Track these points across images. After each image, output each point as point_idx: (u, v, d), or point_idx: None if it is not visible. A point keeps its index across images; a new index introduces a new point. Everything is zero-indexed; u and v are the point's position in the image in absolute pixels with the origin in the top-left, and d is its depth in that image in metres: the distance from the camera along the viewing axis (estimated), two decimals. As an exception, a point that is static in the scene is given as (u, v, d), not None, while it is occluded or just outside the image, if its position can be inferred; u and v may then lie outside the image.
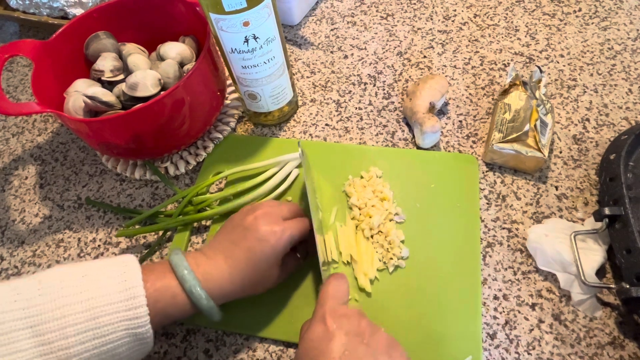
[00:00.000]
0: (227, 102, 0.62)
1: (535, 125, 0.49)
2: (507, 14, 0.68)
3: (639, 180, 0.47)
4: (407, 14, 0.71)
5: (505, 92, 0.54)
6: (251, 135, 0.60)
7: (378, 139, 0.57)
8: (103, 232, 0.54)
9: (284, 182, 0.53)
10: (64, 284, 0.35)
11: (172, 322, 0.39)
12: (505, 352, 0.41)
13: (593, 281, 0.42)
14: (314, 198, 0.47)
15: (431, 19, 0.69)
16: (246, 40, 0.47)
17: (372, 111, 0.60)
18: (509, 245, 0.47)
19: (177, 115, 0.51)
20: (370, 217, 0.49)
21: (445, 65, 0.63)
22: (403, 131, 0.58)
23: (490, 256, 0.47)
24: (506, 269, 0.46)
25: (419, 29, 0.69)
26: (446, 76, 0.62)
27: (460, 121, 0.58)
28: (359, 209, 0.50)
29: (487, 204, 0.50)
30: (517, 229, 0.48)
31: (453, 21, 0.69)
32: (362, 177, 0.53)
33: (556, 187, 0.51)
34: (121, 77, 0.56)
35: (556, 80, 0.60)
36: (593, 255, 0.44)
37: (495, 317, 0.43)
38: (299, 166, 0.55)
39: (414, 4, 0.72)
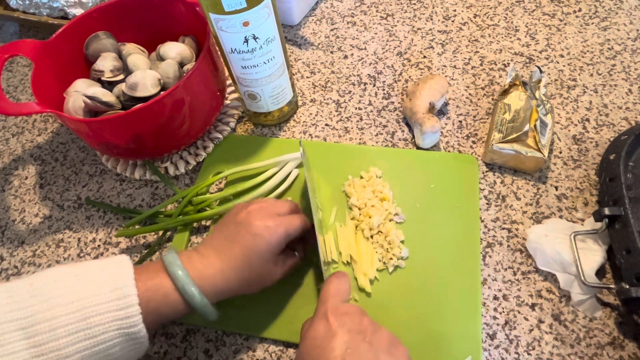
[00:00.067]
0: (227, 102, 0.62)
1: (535, 126, 0.49)
2: (507, 14, 0.68)
3: (639, 181, 0.47)
4: (407, 14, 0.71)
5: (505, 92, 0.54)
6: (251, 136, 0.60)
7: (378, 139, 0.57)
8: (103, 232, 0.54)
9: (284, 182, 0.53)
10: (56, 284, 0.34)
11: (167, 321, 0.38)
12: (505, 352, 0.41)
13: (593, 281, 0.42)
14: (315, 197, 0.47)
15: (431, 19, 0.69)
16: (246, 41, 0.47)
17: (372, 111, 0.60)
18: (508, 246, 0.47)
19: (177, 115, 0.51)
20: (370, 217, 0.49)
21: (445, 66, 0.63)
22: (403, 131, 0.58)
23: (490, 256, 0.47)
24: (506, 269, 0.46)
25: (418, 29, 0.69)
26: (446, 76, 0.62)
27: (460, 121, 0.58)
28: (359, 209, 0.50)
29: (487, 204, 0.50)
30: (517, 229, 0.48)
31: (453, 21, 0.69)
32: (361, 177, 0.53)
33: (556, 188, 0.51)
34: (121, 77, 0.56)
35: (556, 80, 0.60)
36: (593, 255, 0.44)
37: (495, 318, 0.43)
38: (299, 166, 0.55)
39: (414, 4, 0.72)
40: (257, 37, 0.47)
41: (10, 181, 0.61)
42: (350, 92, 0.63)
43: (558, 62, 0.61)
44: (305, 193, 0.53)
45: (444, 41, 0.66)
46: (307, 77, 0.65)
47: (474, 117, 0.58)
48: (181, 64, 0.56)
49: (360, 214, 0.50)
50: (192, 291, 0.36)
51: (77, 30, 0.56)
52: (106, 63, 0.55)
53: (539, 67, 0.54)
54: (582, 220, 0.48)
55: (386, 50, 0.67)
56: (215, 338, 0.45)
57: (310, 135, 0.59)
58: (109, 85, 0.56)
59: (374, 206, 0.49)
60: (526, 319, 0.43)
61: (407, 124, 0.58)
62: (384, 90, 0.62)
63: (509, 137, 0.50)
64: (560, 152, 0.53)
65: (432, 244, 0.47)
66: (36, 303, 0.33)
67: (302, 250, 0.46)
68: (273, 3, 0.47)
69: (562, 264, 0.43)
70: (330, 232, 0.49)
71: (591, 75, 0.59)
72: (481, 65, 0.63)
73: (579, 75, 0.60)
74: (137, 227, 0.53)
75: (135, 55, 0.56)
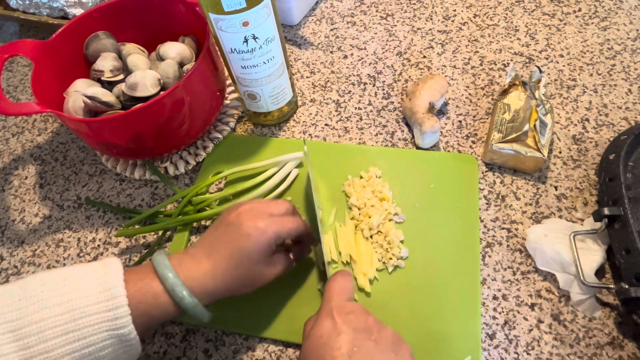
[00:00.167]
0: (227, 102, 0.62)
1: (534, 126, 0.49)
2: (506, 14, 0.68)
3: (638, 181, 0.47)
4: (406, 14, 0.71)
5: (504, 92, 0.54)
6: (251, 135, 0.60)
7: (377, 139, 0.57)
8: (103, 232, 0.54)
9: (284, 182, 0.53)
10: (45, 287, 0.34)
11: (158, 324, 0.37)
12: (504, 352, 0.41)
13: (592, 281, 0.42)
14: (317, 196, 0.47)
15: (431, 19, 0.69)
16: (245, 41, 0.47)
17: (371, 111, 0.60)
18: (508, 246, 0.47)
19: (176, 115, 0.51)
20: (369, 217, 0.49)
21: (444, 65, 0.63)
22: (402, 131, 0.58)
23: (489, 256, 0.47)
24: (505, 269, 0.46)
25: (418, 29, 0.69)
26: (446, 76, 0.62)
27: (460, 121, 0.58)
28: (359, 209, 0.50)
29: (487, 204, 0.50)
30: (516, 229, 0.48)
31: (453, 21, 0.69)
32: (361, 177, 0.53)
33: (555, 187, 0.51)
34: (121, 77, 0.56)
35: (556, 80, 0.60)
36: (592, 255, 0.44)
37: (494, 317, 0.43)
38: (298, 166, 0.55)
39: (414, 4, 0.72)
40: (256, 37, 0.47)
41: (10, 181, 0.61)
42: (350, 92, 0.63)
43: (558, 62, 0.61)
44: (308, 192, 0.53)
45: (443, 41, 0.66)
46: (307, 77, 0.65)
47: (474, 117, 0.58)
48: (181, 64, 0.56)
49: (359, 214, 0.50)
50: (181, 293, 0.36)
51: (77, 30, 0.56)
52: (106, 63, 0.55)
53: (538, 67, 0.54)
54: (582, 220, 0.48)
55: (386, 50, 0.67)
56: (214, 338, 0.45)
57: (310, 135, 0.59)
58: (109, 85, 0.56)
59: (374, 206, 0.50)
60: (525, 319, 0.43)
61: (407, 124, 0.58)
62: (383, 90, 0.62)
63: (509, 137, 0.50)
64: (560, 152, 0.53)
65: (432, 244, 0.47)
66: (25, 305, 0.33)
67: (296, 253, 0.44)
68: (273, 3, 0.47)
69: (562, 264, 0.43)
70: (330, 232, 0.49)
71: (591, 75, 0.59)
72: (481, 65, 0.63)
73: (578, 75, 0.60)
74: (136, 227, 0.53)
75: (135, 55, 0.56)
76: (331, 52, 0.68)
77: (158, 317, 0.36)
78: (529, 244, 0.46)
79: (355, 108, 0.61)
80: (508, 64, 0.62)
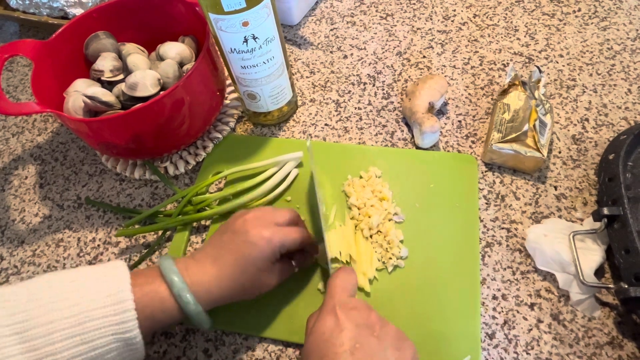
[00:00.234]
0: (227, 102, 0.62)
1: (534, 125, 0.49)
2: (506, 14, 0.68)
3: (638, 180, 0.47)
4: (406, 14, 0.71)
5: (504, 92, 0.54)
6: (250, 135, 0.60)
7: (377, 139, 0.57)
8: (103, 232, 0.54)
9: (283, 182, 0.53)
10: (52, 290, 0.34)
11: (162, 327, 0.38)
12: (504, 351, 0.42)
13: (592, 281, 0.42)
14: (322, 192, 0.47)
15: (431, 19, 0.69)
16: (245, 40, 0.47)
17: (371, 111, 0.60)
18: (507, 245, 0.47)
19: (176, 115, 0.51)
20: (369, 217, 0.49)
21: (444, 65, 0.64)
22: (402, 131, 0.58)
23: (489, 256, 0.47)
24: (505, 269, 0.46)
25: (418, 29, 0.69)
26: (445, 76, 0.62)
27: (460, 121, 0.58)
28: (358, 208, 0.50)
29: (486, 203, 0.50)
30: (516, 229, 0.48)
31: (452, 21, 0.69)
32: (361, 177, 0.53)
33: (555, 187, 0.51)
34: (121, 77, 0.56)
35: (555, 80, 0.60)
36: (592, 255, 0.44)
37: (494, 317, 0.43)
38: (298, 166, 0.55)
39: (414, 4, 0.72)
40: (256, 37, 0.48)
41: (10, 181, 0.61)
42: (349, 92, 0.63)
43: (557, 62, 0.61)
44: (311, 189, 0.53)
45: (443, 41, 0.66)
46: (307, 77, 0.65)
47: (474, 117, 0.58)
48: (181, 64, 0.56)
49: (359, 214, 0.50)
50: (187, 298, 0.36)
51: (77, 30, 0.56)
52: (106, 63, 0.55)
53: (538, 67, 0.54)
54: (581, 220, 0.48)
55: (386, 50, 0.67)
56: (214, 338, 0.45)
57: (309, 135, 0.59)
58: (109, 85, 0.56)
59: (374, 206, 0.50)
60: (525, 319, 0.43)
61: (407, 124, 0.58)
62: (383, 90, 0.62)
63: (508, 137, 0.50)
64: (560, 152, 0.53)
65: (432, 243, 0.47)
66: (32, 308, 0.33)
67: (299, 261, 0.45)
68: (272, 3, 0.47)
69: (561, 264, 0.43)
70: (330, 232, 0.49)
71: (590, 75, 0.59)
72: (481, 65, 0.63)
73: (578, 75, 0.60)
74: (136, 226, 0.53)
75: (135, 55, 0.56)
76: (331, 52, 0.68)
77: (163, 321, 0.37)
78: (528, 244, 0.46)
79: (355, 108, 0.61)
80: (508, 64, 0.62)
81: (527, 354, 0.41)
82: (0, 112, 0.47)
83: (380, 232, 0.48)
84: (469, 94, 0.60)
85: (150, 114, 0.48)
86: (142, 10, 0.58)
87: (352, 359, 0.31)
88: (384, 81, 0.63)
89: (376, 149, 0.56)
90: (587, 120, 0.55)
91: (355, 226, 0.49)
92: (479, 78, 0.62)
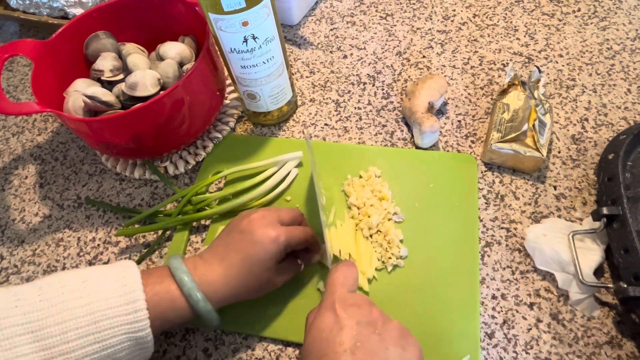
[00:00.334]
0: (227, 101, 0.63)
1: (533, 125, 0.49)
2: (506, 14, 0.68)
3: (637, 180, 0.47)
4: (406, 14, 0.71)
5: (504, 92, 0.55)
6: (250, 135, 0.60)
7: (377, 139, 0.57)
8: (103, 232, 0.54)
9: (283, 182, 0.53)
10: (65, 289, 0.35)
11: (172, 326, 0.38)
12: (503, 351, 0.42)
13: (591, 281, 0.42)
14: (321, 193, 0.47)
15: (430, 19, 0.69)
16: (245, 40, 0.47)
17: (371, 111, 0.60)
18: (507, 245, 0.47)
19: (176, 114, 0.51)
20: (369, 217, 0.49)
21: (444, 65, 0.64)
22: (402, 131, 0.58)
23: (488, 256, 0.47)
24: (504, 269, 0.46)
25: (418, 28, 0.69)
26: (445, 76, 0.62)
27: (459, 121, 0.58)
28: (358, 208, 0.50)
29: (486, 203, 0.50)
30: (515, 229, 0.48)
31: (452, 21, 0.69)
32: (361, 177, 0.53)
33: (554, 187, 0.51)
34: (121, 76, 0.56)
35: (555, 80, 0.60)
36: (591, 254, 0.44)
37: (493, 317, 0.43)
38: (298, 166, 0.55)
39: (413, 4, 0.72)
40: (256, 37, 0.48)
41: (10, 180, 0.61)
42: (349, 91, 0.63)
43: (557, 62, 0.61)
44: (311, 190, 0.53)
45: (443, 41, 0.66)
46: (307, 77, 0.65)
47: (473, 116, 0.58)
48: (181, 64, 0.56)
49: (359, 213, 0.50)
50: (197, 296, 0.37)
51: (77, 30, 0.56)
52: (106, 63, 0.55)
53: (537, 67, 0.54)
54: (581, 219, 0.48)
55: (385, 50, 0.67)
56: (214, 337, 0.45)
57: (309, 135, 0.59)
58: (109, 85, 0.56)
59: (373, 205, 0.50)
60: (524, 318, 0.43)
61: (406, 124, 0.58)
62: (383, 90, 0.62)
63: (508, 137, 0.50)
64: (559, 152, 0.53)
65: (431, 243, 0.47)
66: (45, 307, 0.33)
67: (305, 260, 0.45)
68: (272, 3, 0.47)
69: (561, 264, 0.43)
70: (330, 230, 0.49)
71: (590, 75, 0.60)
72: (480, 65, 0.63)
73: (577, 75, 0.60)
74: (136, 226, 0.53)
75: (135, 55, 0.56)
76: (331, 52, 0.68)
77: (172, 319, 0.37)
78: (528, 244, 0.46)
79: (355, 108, 0.61)
80: (507, 63, 0.62)
81: (527, 353, 0.41)
82: (1, 112, 0.47)
83: (380, 231, 0.48)
84: (469, 93, 0.60)
85: (150, 113, 0.49)
86: (142, 10, 0.58)
87: (352, 358, 0.30)
88: (384, 81, 0.63)
89: (376, 148, 0.56)
90: (586, 120, 0.56)
91: (355, 226, 0.49)
92: (478, 78, 0.62)
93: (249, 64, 0.50)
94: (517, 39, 0.65)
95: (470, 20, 0.68)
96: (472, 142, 0.56)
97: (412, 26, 0.69)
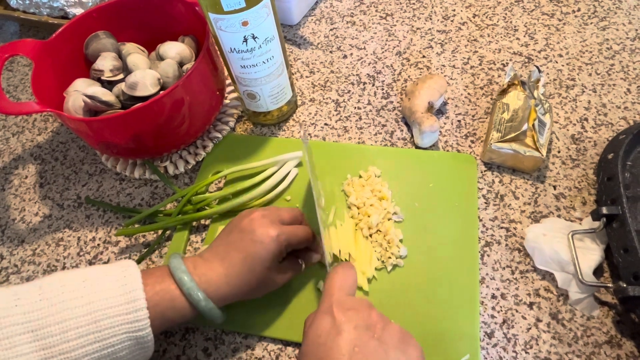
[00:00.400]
0: (227, 101, 0.63)
1: (533, 125, 0.49)
2: (506, 14, 0.68)
3: (637, 180, 0.47)
4: (406, 14, 0.71)
5: (503, 92, 0.55)
6: (250, 135, 0.60)
7: (377, 139, 0.57)
8: (103, 231, 0.54)
9: (283, 182, 0.53)
10: (65, 289, 0.35)
11: (173, 325, 0.38)
12: (503, 350, 0.42)
13: (590, 280, 0.42)
14: (319, 192, 0.47)
15: (430, 19, 0.70)
16: (245, 40, 0.47)
17: (371, 111, 0.60)
18: (507, 245, 0.47)
19: (176, 114, 0.51)
20: (368, 216, 0.49)
21: (444, 65, 0.64)
22: (402, 131, 0.58)
23: (488, 255, 0.47)
24: (504, 268, 0.46)
25: (418, 28, 0.69)
26: (445, 76, 0.62)
27: (459, 121, 0.58)
28: (358, 208, 0.50)
29: (486, 203, 0.50)
30: (515, 229, 0.48)
31: (452, 21, 0.69)
32: (360, 177, 0.53)
33: (554, 187, 0.51)
34: (121, 76, 0.56)
35: (555, 80, 0.60)
36: (591, 254, 0.44)
37: (493, 316, 0.43)
38: (298, 165, 0.55)
39: (413, 3, 0.72)
40: (256, 37, 0.48)
41: (10, 180, 0.62)
42: (349, 91, 0.63)
43: (557, 62, 0.61)
44: (308, 189, 0.53)
45: (443, 41, 0.66)
46: (307, 77, 0.65)
47: (473, 116, 0.58)
48: (181, 64, 0.56)
49: (359, 213, 0.50)
50: (197, 295, 0.37)
51: (77, 30, 0.56)
52: (106, 62, 0.55)
53: (537, 67, 0.54)
54: (580, 219, 0.48)
55: (385, 50, 0.67)
56: (214, 337, 0.46)
57: (309, 134, 0.59)
58: (109, 85, 0.56)
59: (373, 205, 0.50)
60: (524, 318, 0.43)
61: (406, 124, 0.58)
62: (383, 89, 0.62)
63: (508, 137, 0.50)
64: (559, 152, 0.53)
65: (431, 243, 0.47)
66: (45, 306, 0.33)
67: (306, 259, 0.45)
68: (272, 3, 0.47)
69: (560, 263, 0.44)
70: (329, 229, 0.49)
71: (590, 74, 0.60)
72: (480, 64, 0.63)
73: (577, 74, 0.60)
74: (136, 226, 0.53)
75: (135, 54, 0.56)
76: (331, 52, 0.68)
77: (173, 319, 0.37)
78: (527, 243, 0.46)
79: (355, 107, 0.61)
80: (507, 63, 0.62)
81: (526, 353, 0.41)
82: (1, 112, 0.47)
83: (380, 231, 0.48)
84: (469, 93, 0.60)
85: (150, 113, 0.49)
86: (142, 10, 0.59)
87: None
88: (384, 81, 0.63)
89: (375, 148, 0.56)
90: (586, 119, 0.56)
91: (355, 225, 0.49)
92: (478, 78, 0.62)
93: (249, 63, 0.50)
94: (517, 38, 0.65)
95: (470, 20, 0.68)
96: (472, 142, 0.56)
97: (412, 26, 0.69)
